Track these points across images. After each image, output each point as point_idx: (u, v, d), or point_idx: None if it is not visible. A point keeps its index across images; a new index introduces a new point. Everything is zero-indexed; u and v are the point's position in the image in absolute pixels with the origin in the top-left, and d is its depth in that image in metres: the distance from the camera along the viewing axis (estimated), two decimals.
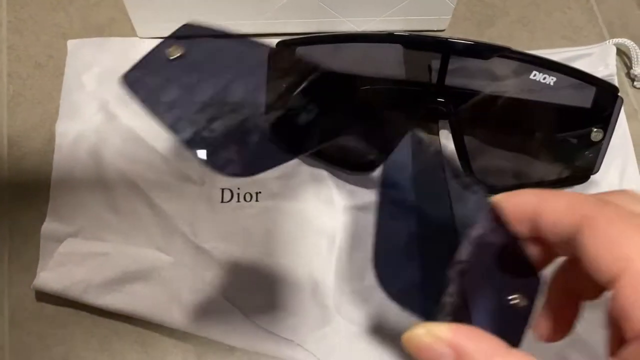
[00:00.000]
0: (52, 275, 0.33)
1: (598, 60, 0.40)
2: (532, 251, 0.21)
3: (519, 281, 0.21)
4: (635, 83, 0.40)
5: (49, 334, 0.33)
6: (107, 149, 0.37)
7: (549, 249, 0.21)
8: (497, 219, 0.21)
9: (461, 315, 0.20)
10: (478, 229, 0.21)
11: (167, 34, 0.40)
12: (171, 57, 0.24)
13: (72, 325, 0.33)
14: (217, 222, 0.35)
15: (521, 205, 0.21)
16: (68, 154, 0.37)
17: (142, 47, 0.40)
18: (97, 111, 0.38)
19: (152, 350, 0.33)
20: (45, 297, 0.33)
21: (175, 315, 0.32)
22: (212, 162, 0.25)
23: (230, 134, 0.25)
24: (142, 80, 0.23)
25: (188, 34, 0.25)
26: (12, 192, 0.36)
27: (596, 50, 0.40)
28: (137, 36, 0.41)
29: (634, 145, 0.38)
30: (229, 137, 0.24)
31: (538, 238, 0.21)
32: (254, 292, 0.33)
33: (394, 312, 0.33)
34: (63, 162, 0.37)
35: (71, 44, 0.40)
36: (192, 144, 0.24)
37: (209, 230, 0.35)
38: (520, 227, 0.21)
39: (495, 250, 0.21)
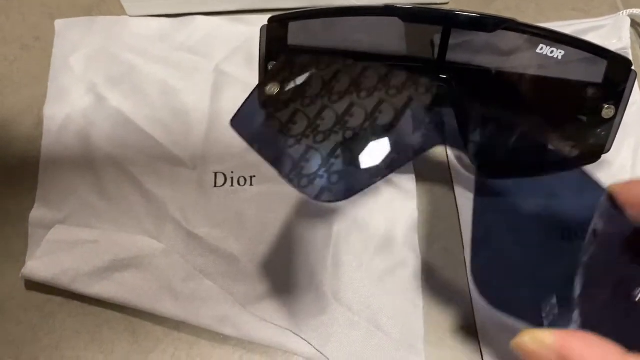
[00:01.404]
0: (40, 263, 0.32)
1: (611, 33, 0.38)
2: None
3: None
4: None
5: (39, 324, 0.32)
6: (96, 133, 0.36)
7: None
8: (614, 208, 0.20)
9: (590, 317, 0.18)
10: (598, 223, 0.20)
11: (156, 11, 0.39)
12: (271, 94, 0.25)
13: (62, 314, 0.32)
14: (210, 208, 0.34)
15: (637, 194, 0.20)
16: (56, 138, 0.36)
17: (131, 25, 0.39)
18: (86, 94, 0.37)
19: (143, 340, 0.32)
20: (34, 286, 0.32)
21: (167, 303, 0.31)
22: (309, 191, 0.24)
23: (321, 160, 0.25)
24: (247, 121, 0.25)
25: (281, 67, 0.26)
26: (0, 178, 0.35)
27: (609, 22, 0.38)
28: (126, 14, 0.39)
29: None
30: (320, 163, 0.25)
31: None
32: (248, 279, 0.32)
33: (393, 299, 0.32)
34: (52, 147, 0.36)
35: (59, 24, 0.39)
36: (291, 176, 0.24)
37: (201, 216, 0.34)
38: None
39: (616, 242, 0.20)
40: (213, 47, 0.38)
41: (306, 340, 0.31)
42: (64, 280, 0.32)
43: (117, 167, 0.35)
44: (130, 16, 0.39)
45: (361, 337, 0.31)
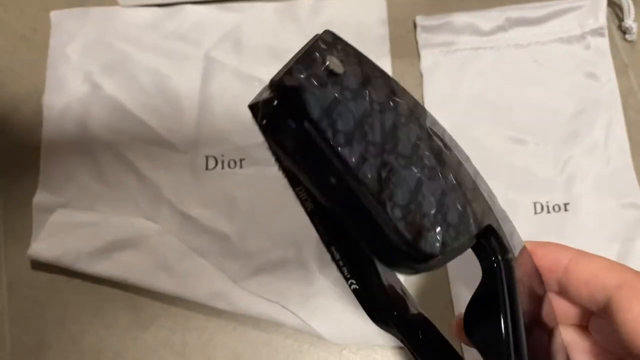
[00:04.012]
0: (44, 245, 0.34)
1: (588, 13, 0.39)
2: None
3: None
4: (626, 36, 0.39)
5: (45, 301, 0.34)
6: (93, 120, 0.38)
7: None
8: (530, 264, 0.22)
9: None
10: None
11: (147, 1, 0.40)
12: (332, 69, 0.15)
13: (66, 291, 0.35)
14: (202, 190, 0.36)
15: (553, 259, 0.22)
16: (56, 126, 0.38)
17: (124, 15, 0.40)
18: (82, 83, 0.38)
19: (142, 314, 0.34)
20: (40, 265, 0.35)
21: (163, 280, 0.33)
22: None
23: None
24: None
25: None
26: (3, 165, 0.37)
27: (586, 3, 0.39)
28: (118, 5, 0.40)
29: (622, 102, 0.37)
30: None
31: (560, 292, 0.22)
32: (239, 257, 0.34)
33: None
34: (52, 135, 0.38)
35: (54, 15, 0.40)
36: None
37: (194, 198, 0.36)
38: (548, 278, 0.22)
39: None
40: (202, 34, 0.40)
41: (293, 313, 0.33)
42: (67, 260, 0.34)
43: (114, 153, 0.37)
44: (122, 6, 0.40)
45: (345, 307, 0.33)
